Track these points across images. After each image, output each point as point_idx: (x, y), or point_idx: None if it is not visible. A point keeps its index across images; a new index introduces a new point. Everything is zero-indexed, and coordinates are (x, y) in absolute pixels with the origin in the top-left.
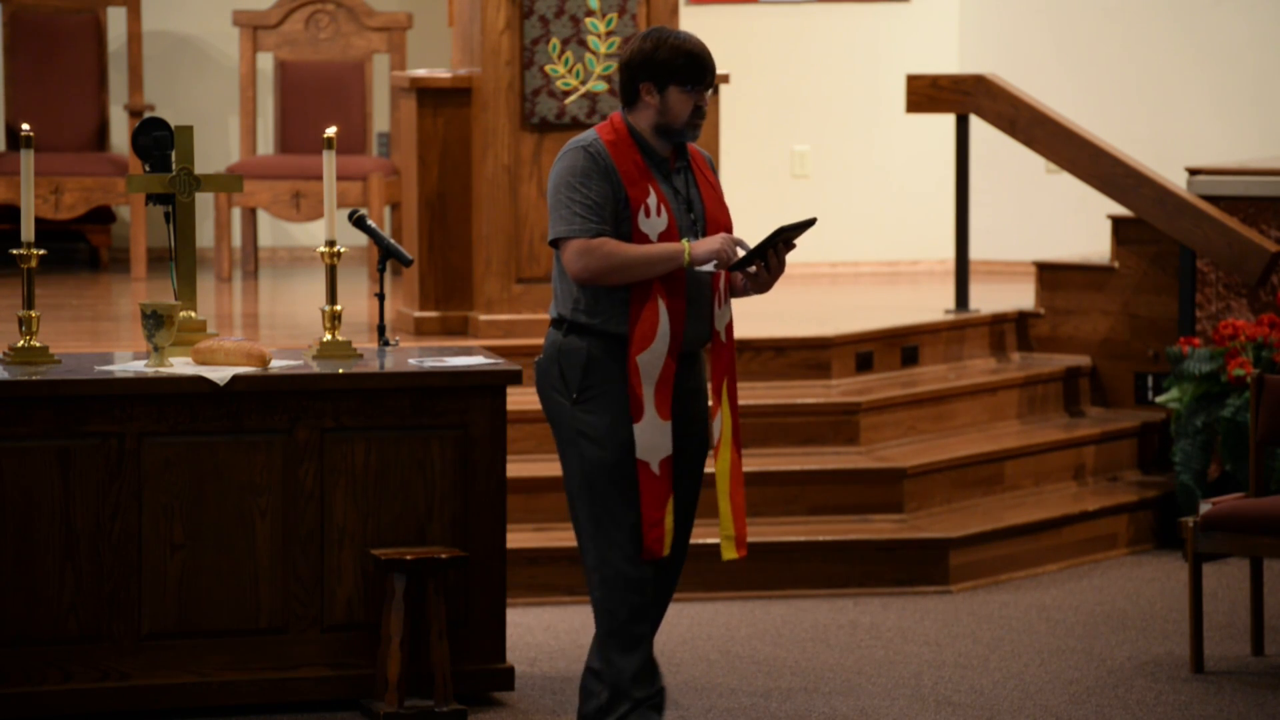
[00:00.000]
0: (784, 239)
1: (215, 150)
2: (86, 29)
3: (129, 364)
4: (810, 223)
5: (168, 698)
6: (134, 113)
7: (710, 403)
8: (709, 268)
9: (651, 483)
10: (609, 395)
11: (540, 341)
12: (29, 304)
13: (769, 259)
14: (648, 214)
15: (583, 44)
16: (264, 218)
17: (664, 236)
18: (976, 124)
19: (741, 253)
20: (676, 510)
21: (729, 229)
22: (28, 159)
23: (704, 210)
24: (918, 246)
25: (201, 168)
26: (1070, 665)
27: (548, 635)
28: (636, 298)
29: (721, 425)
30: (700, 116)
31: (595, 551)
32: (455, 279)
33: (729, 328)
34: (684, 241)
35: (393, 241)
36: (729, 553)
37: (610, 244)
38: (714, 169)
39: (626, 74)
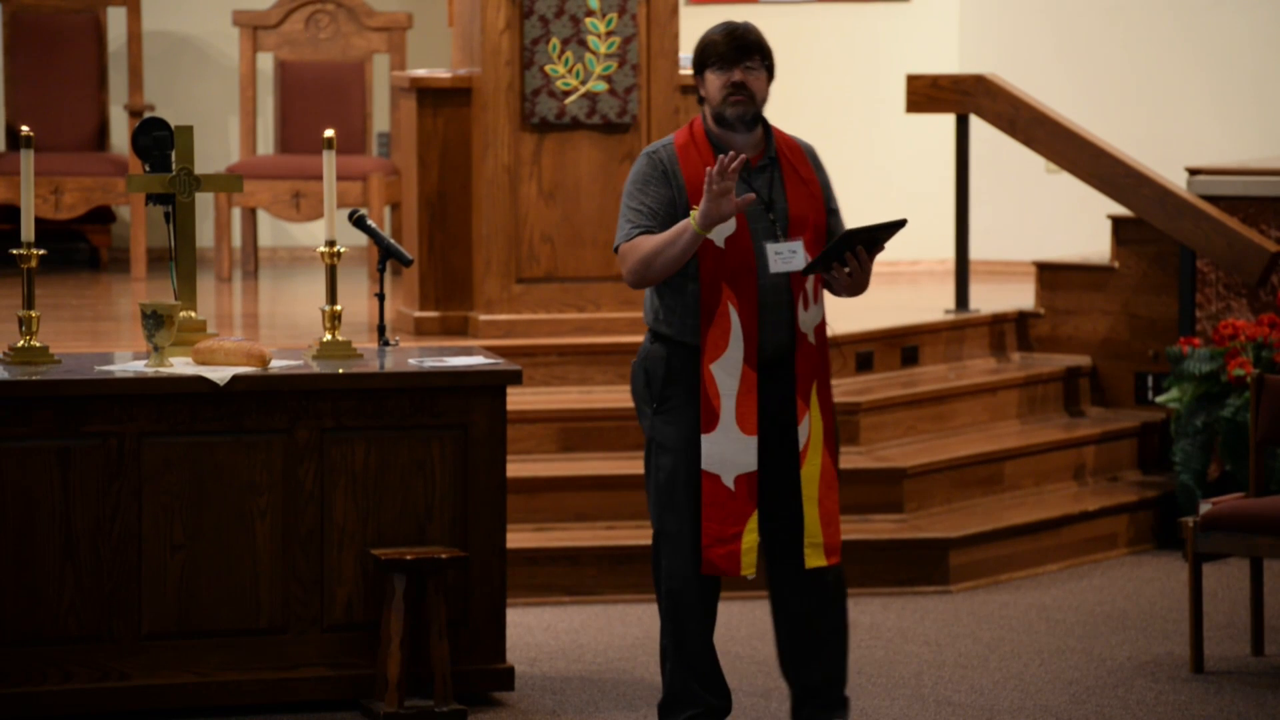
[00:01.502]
0: (863, 241)
1: (215, 150)
2: (86, 29)
3: (129, 364)
4: (898, 224)
5: (168, 698)
6: (134, 113)
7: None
8: (784, 268)
9: (722, 497)
10: (688, 406)
11: (541, 341)
12: (29, 304)
13: (848, 261)
14: None
15: (583, 44)
16: (264, 218)
17: (732, 241)
18: (976, 124)
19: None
20: (785, 523)
21: (819, 228)
22: (28, 159)
23: (786, 210)
24: (917, 246)
25: (201, 168)
26: (1070, 665)
27: (548, 635)
28: (706, 305)
29: (810, 429)
30: (736, 92)
31: (662, 562)
32: (455, 279)
33: (818, 329)
34: (691, 213)
35: (393, 241)
36: (814, 560)
37: (638, 240)
38: (814, 163)
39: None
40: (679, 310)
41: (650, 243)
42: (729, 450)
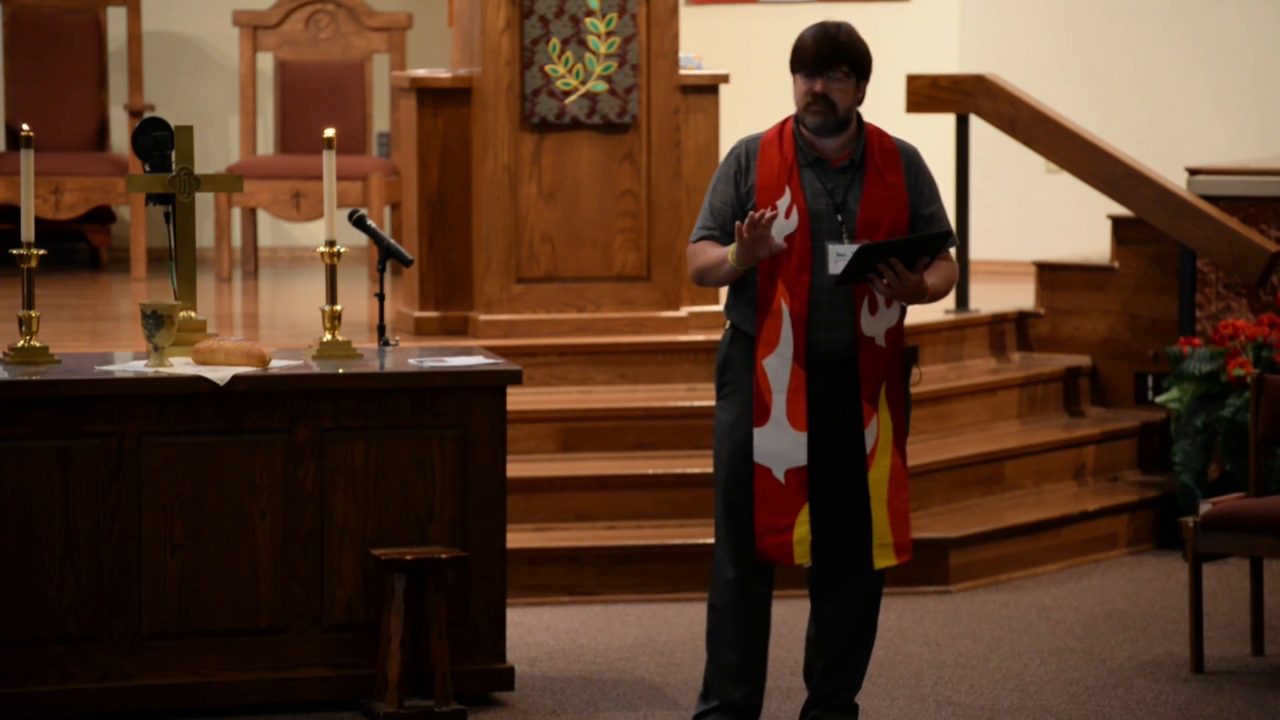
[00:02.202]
0: (893, 253)
1: (215, 150)
2: (86, 29)
3: (129, 364)
4: (937, 238)
5: (168, 698)
6: (134, 113)
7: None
8: (837, 269)
9: (773, 489)
10: (741, 394)
11: (541, 341)
12: (29, 304)
13: (883, 273)
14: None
15: (583, 44)
16: (264, 218)
17: (792, 240)
18: (976, 124)
19: (846, 262)
20: (831, 522)
21: (895, 232)
22: (28, 159)
23: (856, 212)
24: None
25: (201, 168)
26: (1070, 665)
27: (548, 635)
28: (761, 300)
29: (879, 431)
30: (819, 102)
31: (716, 545)
32: (455, 279)
33: (890, 333)
34: (730, 247)
35: (393, 241)
36: (883, 560)
37: (700, 248)
38: (909, 166)
39: None
40: (742, 301)
41: (705, 257)
42: (780, 444)
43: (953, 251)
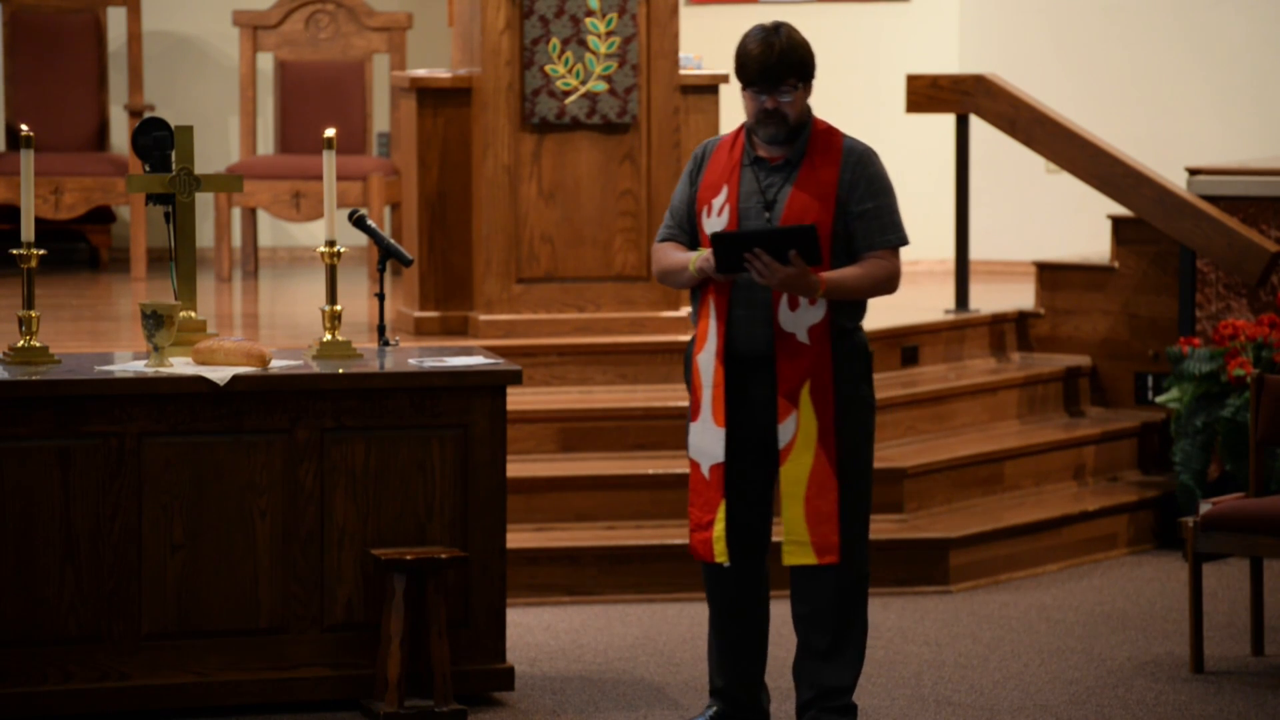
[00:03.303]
0: (759, 243)
1: (215, 150)
2: (86, 29)
3: (129, 364)
4: (799, 231)
5: (168, 698)
6: (134, 113)
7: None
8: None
9: (700, 485)
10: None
11: (541, 341)
12: (29, 304)
13: (750, 263)
14: (709, 213)
15: (583, 44)
16: (264, 218)
17: None
18: (976, 124)
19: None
20: (752, 520)
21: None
22: (28, 159)
23: (783, 211)
24: (917, 246)
25: (201, 168)
26: (1070, 665)
27: (548, 635)
28: (700, 298)
29: (797, 429)
30: (769, 118)
31: None
32: (455, 279)
33: (814, 329)
34: (695, 255)
35: (393, 241)
36: (795, 558)
37: (663, 249)
38: (851, 165)
39: None
40: (695, 300)
41: (668, 260)
42: (705, 440)
43: (953, 251)
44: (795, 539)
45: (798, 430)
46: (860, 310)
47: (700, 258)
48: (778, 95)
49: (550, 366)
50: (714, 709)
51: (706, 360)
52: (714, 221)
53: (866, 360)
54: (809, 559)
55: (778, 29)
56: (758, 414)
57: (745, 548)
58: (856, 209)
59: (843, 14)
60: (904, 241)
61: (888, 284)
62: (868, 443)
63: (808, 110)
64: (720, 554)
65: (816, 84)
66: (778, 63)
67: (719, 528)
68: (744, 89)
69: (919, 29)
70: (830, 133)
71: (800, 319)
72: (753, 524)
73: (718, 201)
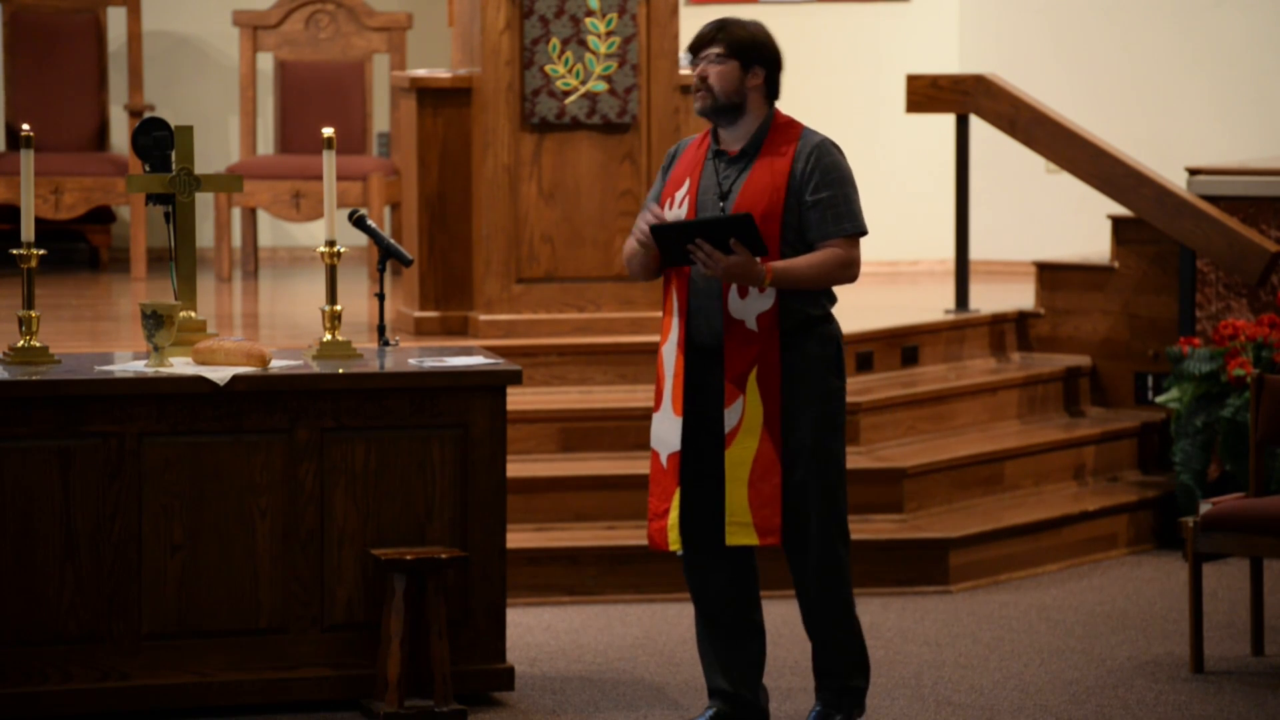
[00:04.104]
0: (698, 233)
1: (215, 150)
2: (86, 29)
3: (129, 364)
4: (734, 219)
5: (168, 698)
6: (134, 113)
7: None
8: None
9: (659, 474)
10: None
11: (541, 341)
12: (29, 304)
13: (693, 253)
14: (672, 205)
15: (583, 44)
16: (264, 218)
17: None
18: (976, 124)
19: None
20: (704, 510)
21: (768, 219)
22: (28, 159)
23: (735, 201)
24: (918, 246)
25: (201, 168)
26: (1070, 665)
27: (548, 635)
28: (665, 291)
29: (744, 414)
30: (698, 88)
31: None
32: (455, 279)
33: (763, 318)
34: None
35: (393, 241)
36: (737, 538)
37: (628, 243)
38: (807, 157)
39: None
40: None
41: (628, 249)
42: (664, 429)
43: (953, 251)
44: (738, 520)
45: (743, 415)
46: (824, 299)
47: (636, 229)
48: (705, 63)
49: (550, 366)
50: (713, 709)
51: (669, 351)
52: (674, 212)
53: (835, 350)
54: (751, 539)
55: (742, 18)
56: (713, 402)
57: (708, 537)
58: (810, 198)
59: (843, 14)
60: (860, 230)
61: (841, 273)
62: (835, 432)
63: (761, 103)
64: (674, 542)
65: (815, 83)
66: (710, 31)
67: (673, 515)
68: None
69: (919, 29)
70: (790, 125)
71: (748, 307)
72: (714, 511)
73: (680, 194)
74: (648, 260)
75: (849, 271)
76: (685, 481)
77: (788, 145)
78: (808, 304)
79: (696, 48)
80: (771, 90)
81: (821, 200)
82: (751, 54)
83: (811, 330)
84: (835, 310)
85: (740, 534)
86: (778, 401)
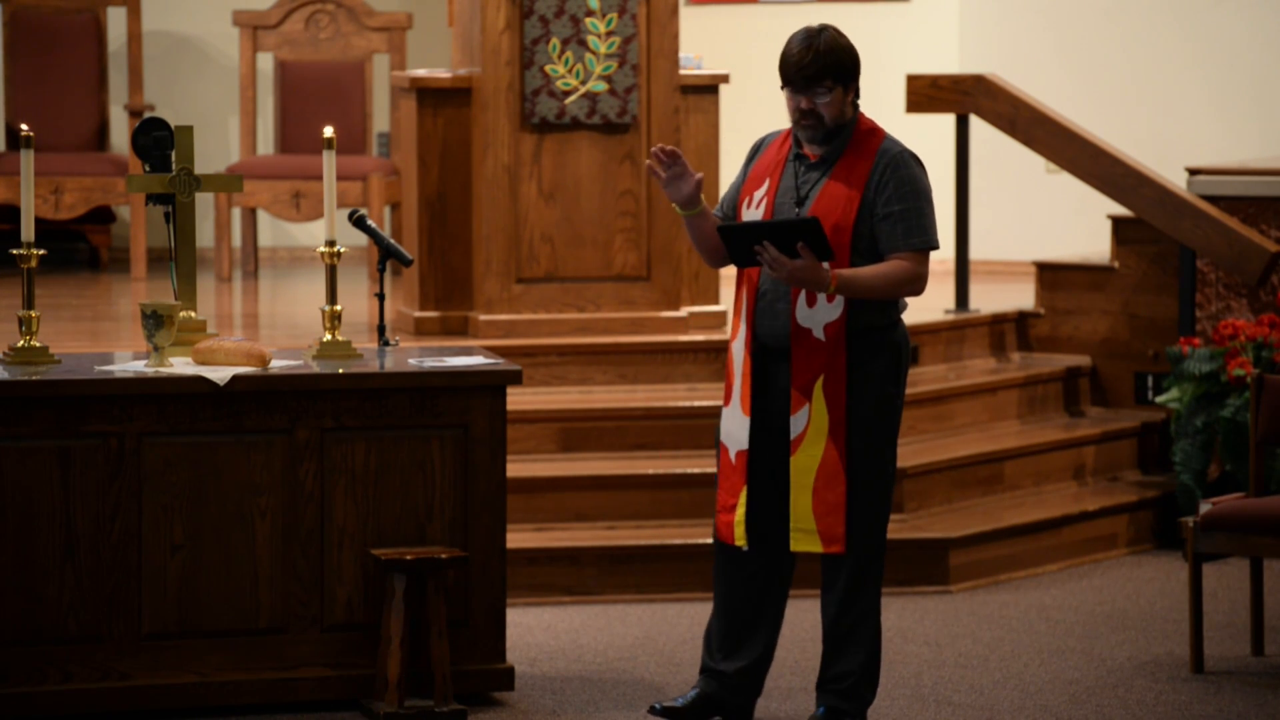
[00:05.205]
0: (766, 236)
1: (215, 150)
2: (86, 29)
3: (129, 364)
4: (802, 223)
5: (168, 698)
6: (134, 113)
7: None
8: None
9: (727, 468)
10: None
11: (541, 341)
12: (29, 304)
13: (760, 256)
14: (749, 205)
15: (583, 44)
16: (264, 218)
17: None
18: (976, 124)
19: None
20: (767, 507)
21: (842, 229)
22: (28, 159)
23: (811, 207)
24: None
25: (201, 168)
26: (1070, 665)
27: (548, 635)
28: (737, 288)
29: (810, 421)
30: (805, 118)
31: None
32: (455, 279)
33: (829, 328)
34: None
35: (393, 241)
36: (802, 545)
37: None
38: (884, 168)
39: None
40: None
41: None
42: (732, 425)
43: (953, 251)
44: (802, 527)
45: (809, 423)
46: (888, 309)
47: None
48: (813, 96)
49: (550, 366)
50: (698, 689)
51: (738, 349)
52: (751, 213)
53: (897, 358)
54: (815, 547)
55: (821, 31)
56: (780, 403)
57: (765, 534)
58: (883, 210)
59: (843, 14)
60: (930, 245)
61: (909, 286)
62: (889, 443)
63: (851, 111)
64: (740, 538)
65: None
66: (812, 64)
67: (740, 512)
68: (783, 88)
69: (919, 29)
70: (872, 133)
71: (816, 316)
72: (775, 513)
73: (759, 194)
74: (693, 223)
75: (915, 285)
76: (752, 480)
77: (867, 154)
78: (874, 314)
79: (798, 82)
80: (858, 96)
81: (894, 213)
82: (851, 75)
83: (875, 339)
84: None
85: (805, 541)
86: (843, 410)
